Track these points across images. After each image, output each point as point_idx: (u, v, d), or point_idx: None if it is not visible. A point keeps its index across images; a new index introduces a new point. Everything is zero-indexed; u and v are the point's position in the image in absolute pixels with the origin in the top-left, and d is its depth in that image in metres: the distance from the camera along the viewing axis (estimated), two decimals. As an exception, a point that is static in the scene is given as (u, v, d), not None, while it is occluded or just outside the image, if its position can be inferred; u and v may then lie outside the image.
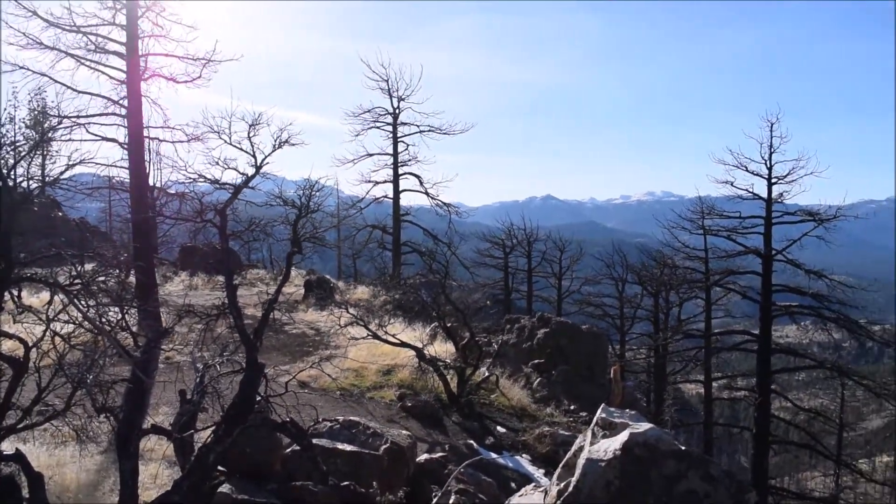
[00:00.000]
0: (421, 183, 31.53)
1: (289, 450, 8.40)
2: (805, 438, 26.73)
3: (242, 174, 7.53)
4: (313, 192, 7.69)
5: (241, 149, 7.42)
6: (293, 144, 7.58)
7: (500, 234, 37.33)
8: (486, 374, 15.18)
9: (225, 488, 7.61)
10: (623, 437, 4.40)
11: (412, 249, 32.16)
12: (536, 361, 17.86)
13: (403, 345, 14.67)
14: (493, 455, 12.42)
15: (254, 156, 7.34)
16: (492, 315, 32.41)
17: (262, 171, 7.57)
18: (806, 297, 24.71)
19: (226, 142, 7.35)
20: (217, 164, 7.49)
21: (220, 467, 8.03)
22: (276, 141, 7.46)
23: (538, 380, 16.70)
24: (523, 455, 12.95)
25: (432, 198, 31.29)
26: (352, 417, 9.98)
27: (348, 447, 8.71)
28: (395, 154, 31.57)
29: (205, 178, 7.48)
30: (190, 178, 7.57)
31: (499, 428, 13.97)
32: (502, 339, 18.88)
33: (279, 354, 17.06)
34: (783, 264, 24.69)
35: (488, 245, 37.27)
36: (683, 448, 4.33)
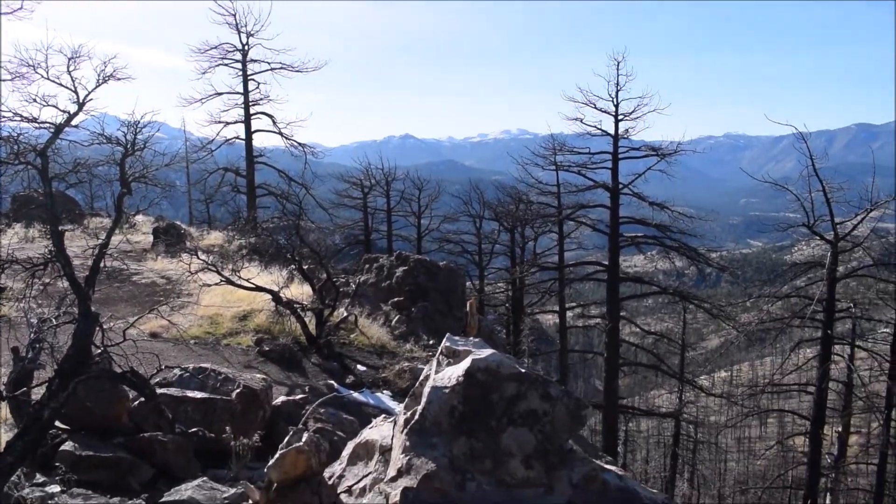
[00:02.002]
0: (274, 123, 30.51)
1: (136, 402, 8.07)
2: (652, 360, 28.53)
3: (64, 112, 6.95)
4: (139, 129, 7.21)
5: (61, 84, 6.83)
6: (119, 79, 7.04)
7: (359, 174, 37.00)
8: (345, 314, 15.14)
9: (68, 445, 7.23)
10: (466, 363, 4.48)
11: (267, 192, 31.26)
12: (396, 300, 17.99)
13: (259, 289, 14.34)
14: (354, 393, 12.47)
15: (75, 91, 6.79)
16: (352, 256, 32.28)
17: (88, 109, 7.03)
18: (650, 228, 26.03)
19: (43, 76, 6.73)
20: (35, 101, 6.86)
21: (61, 424, 7.62)
22: (99, 76, 6.91)
23: (397, 317, 16.85)
24: (384, 391, 13.08)
25: (287, 138, 30.39)
26: (203, 364, 9.69)
27: (199, 394, 8.48)
28: (246, 93, 30.27)
29: (21, 116, 6.83)
30: (4, 118, 6.88)
31: (359, 366, 14.02)
32: (361, 279, 18.84)
33: (128, 306, 16.29)
34: (629, 197, 25.82)
35: (346, 186, 36.82)
36: (523, 370, 4.45)
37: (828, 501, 23.37)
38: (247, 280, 14.35)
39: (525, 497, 4.20)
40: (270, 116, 30.49)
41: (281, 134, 30.41)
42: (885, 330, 22.36)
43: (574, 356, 33.91)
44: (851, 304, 22.06)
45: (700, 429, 33.72)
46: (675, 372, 29.12)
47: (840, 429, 23.18)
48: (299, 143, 30.54)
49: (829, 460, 22.96)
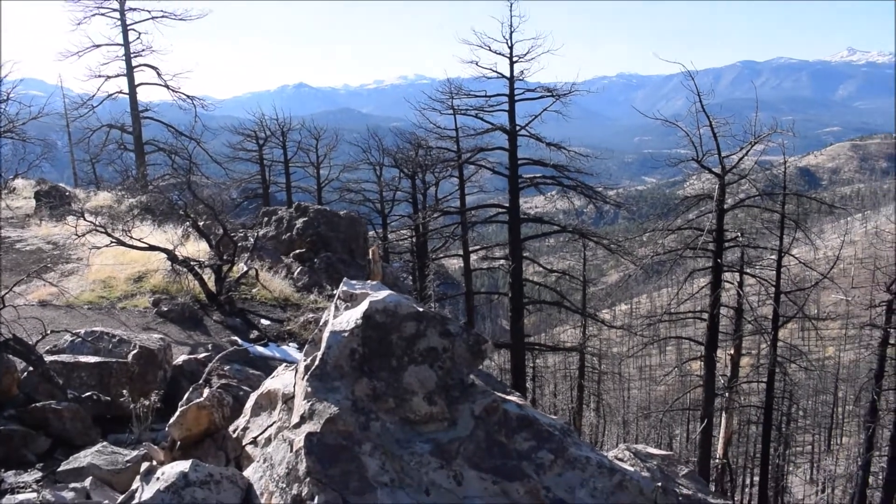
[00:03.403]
0: (159, 75, 29.17)
1: (25, 373, 7.69)
2: (555, 297, 29.24)
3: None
4: None
5: None
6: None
7: (253, 126, 35.94)
8: (245, 269, 14.82)
9: (-47, 423, 6.84)
10: (363, 306, 4.44)
11: (157, 148, 29.99)
12: (297, 251, 17.72)
13: (153, 248, 13.84)
14: (259, 347, 12.31)
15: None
16: (251, 210, 31.52)
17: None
18: (549, 169, 26.41)
19: None
20: None
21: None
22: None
23: (299, 269, 16.62)
24: (290, 344, 12.96)
25: (174, 90, 29.13)
26: (95, 328, 9.32)
27: (92, 359, 8.15)
28: (127, 44, 28.72)
29: None
30: None
31: (263, 321, 13.82)
32: (260, 233, 18.44)
33: (13, 275, 15.43)
34: (527, 139, 26.07)
35: (240, 138, 35.73)
36: (421, 309, 4.46)
37: (723, 419, 24.77)
38: (139, 240, 13.81)
39: (429, 432, 4.25)
40: (154, 68, 29.13)
41: (167, 86, 29.13)
42: (770, 257, 23.54)
43: (480, 298, 34.46)
44: (739, 234, 23.11)
45: (603, 360, 35.05)
46: (577, 308, 29.96)
47: (732, 351, 24.39)
48: (187, 96, 29.37)
49: (722, 381, 24.27)
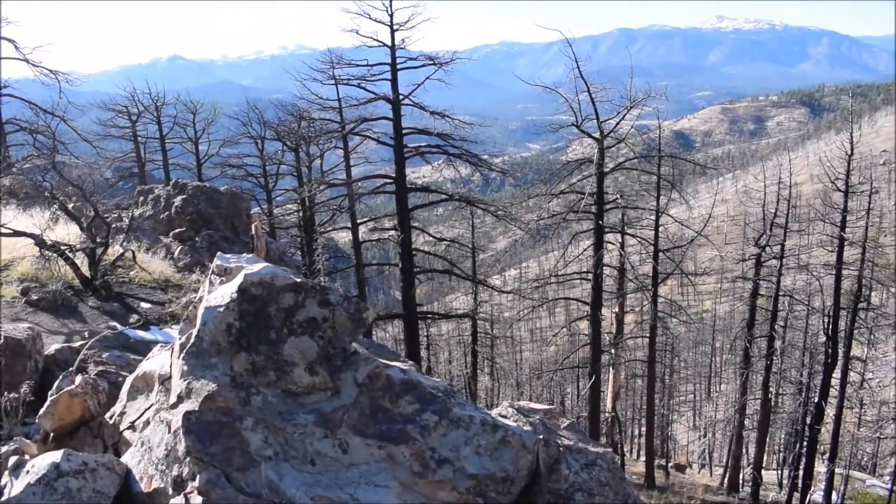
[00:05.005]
0: (17, 48, 27.19)
1: None
2: (446, 265, 29.48)
3: None
4: None
5: None
6: None
7: (124, 101, 34.18)
8: (121, 251, 14.17)
9: None
10: (238, 279, 4.33)
11: (19, 128, 28.09)
12: (177, 230, 17.07)
13: (17, 234, 12.98)
14: (140, 332, 11.84)
15: None
16: (127, 189, 30.12)
17: None
18: (434, 138, 26.41)
19: None
20: None
21: None
22: None
23: (180, 248, 16.03)
24: (173, 326, 12.51)
25: (34, 65, 27.23)
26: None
27: (-49, 354, 7.61)
28: (-23, 16, 26.67)
29: None
30: None
31: (143, 304, 13.28)
32: (135, 213, 17.65)
33: None
34: (411, 108, 25.96)
35: (111, 114, 33.94)
36: (299, 280, 4.38)
37: (611, 375, 25.81)
38: (2, 226, 12.94)
39: (312, 402, 4.21)
40: (11, 41, 27.12)
41: (27, 60, 27.18)
42: (649, 217, 24.51)
43: (371, 270, 34.32)
44: (619, 196, 23.94)
45: (495, 325, 35.65)
46: (468, 275, 30.30)
47: (616, 309, 25.38)
48: (50, 70, 27.50)
49: (608, 339, 25.25)
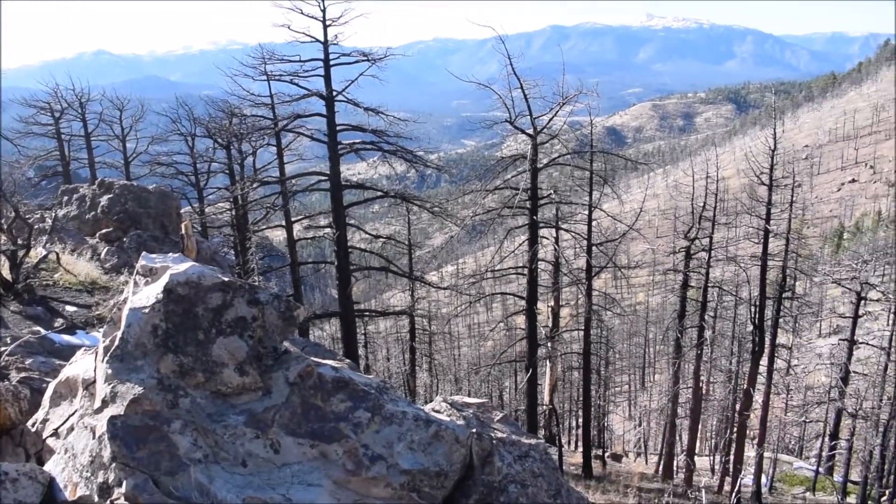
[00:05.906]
0: (-71, 43, 26.04)
1: None
2: (382, 263, 29.39)
3: None
4: None
5: None
6: None
7: (46, 97, 33.03)
8: (45, 253, 13.69)
9: None
10: (164, 280, 4.23)
11: (-71, 126, 26.91)
12: (104, 231, 16.57)
13: (-68, 236, 12.46)
14: (66, 336, 11.47)
15: None
16: (51, 189, 29.11)
17: None
18: (368, 134, 26.27)
19: None
20: None
21: None
22: None
23: (107, 249, 15.58)
24: (100, 329, 12.15)
25: (-52, 61, 26.11)
26: None
27: None
28: None
29: None
30: None
31: (69, 307, 12.86)
32: (59, 213, 17.07)
33: None
34: (345, 105, 25.76)
35: (33, 111, 32.75)
36: (227, 279, 4.31)
37: (547, 368, 26.13)
38: (-85, 227, 12.38)
39: (242, 403, 4.15)
40: (-77, 35, 25.97)
41: (-60, 56, 26.04)
42: (582, 212, 24.88)
43: (307, 269, 34.00)
44: (553, 191, 24.22)
45: (433, 321, 35.78)
46: (405, 272, 30.30)
47: (552, 303, 25.69)
48: (-35, 66, 26.41)
49: (544, 332, 25.55)
